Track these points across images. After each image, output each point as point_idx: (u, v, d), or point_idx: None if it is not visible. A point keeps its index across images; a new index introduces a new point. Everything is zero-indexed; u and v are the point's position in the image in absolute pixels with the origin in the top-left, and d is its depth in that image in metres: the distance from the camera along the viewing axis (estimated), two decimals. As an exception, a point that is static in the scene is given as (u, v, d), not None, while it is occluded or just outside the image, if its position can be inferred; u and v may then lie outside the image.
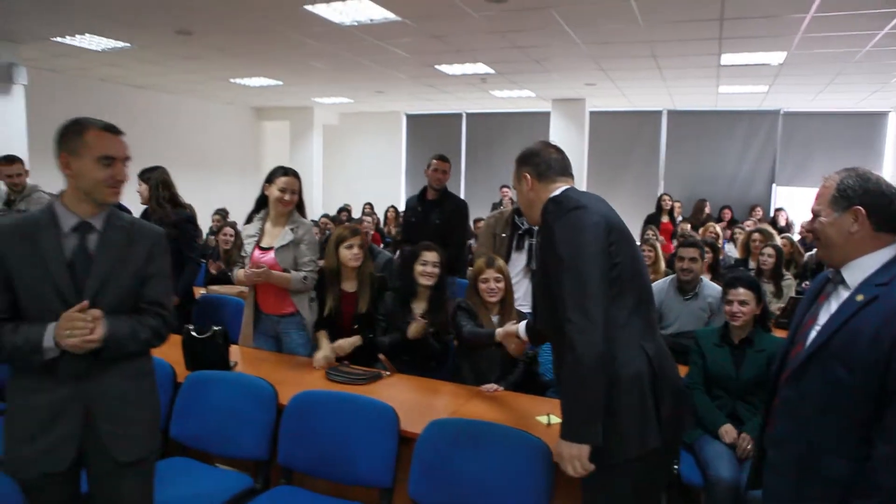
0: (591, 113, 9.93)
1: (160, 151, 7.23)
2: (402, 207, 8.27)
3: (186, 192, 4.29)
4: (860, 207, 1.52)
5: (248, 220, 3.32)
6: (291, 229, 3.19)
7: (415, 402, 2.63)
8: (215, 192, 9.96)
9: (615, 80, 7.96)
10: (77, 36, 6.22)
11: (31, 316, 1.71)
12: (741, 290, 2.75)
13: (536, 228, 3.76)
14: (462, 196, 6.81)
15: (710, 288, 3.62)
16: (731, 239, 6.85)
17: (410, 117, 11.90)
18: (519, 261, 3.69)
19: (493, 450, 2.12)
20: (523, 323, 2.41)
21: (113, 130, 1.80)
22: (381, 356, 3.22)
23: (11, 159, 4.27)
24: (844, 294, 1.56)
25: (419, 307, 3.25)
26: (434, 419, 2.28)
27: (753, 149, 10.13)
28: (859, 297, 1.49)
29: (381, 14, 5.10)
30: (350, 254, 3.19)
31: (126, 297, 1.81)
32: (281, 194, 3.14)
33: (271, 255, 3.15)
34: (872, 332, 1.43)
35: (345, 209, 9.65)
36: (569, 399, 1.69)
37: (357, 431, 2.36)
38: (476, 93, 9.30)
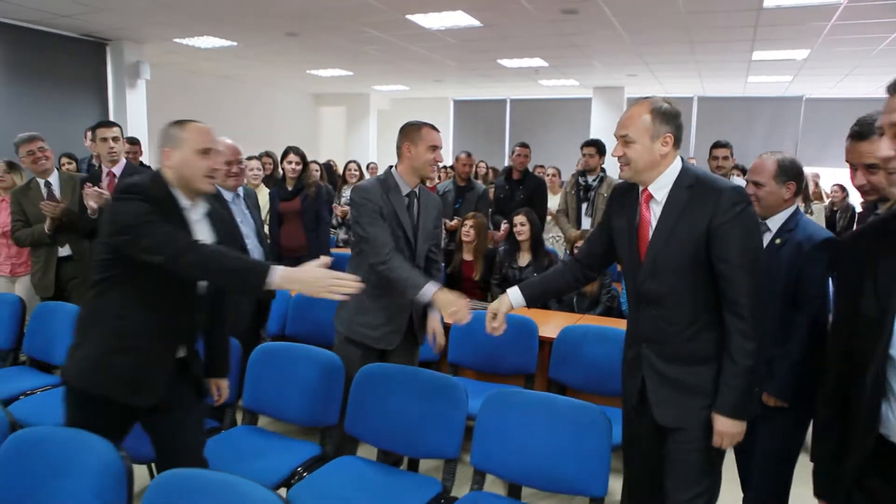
0: (628, 99, 10.85)
1: (237, 135, 8.38)
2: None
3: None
4: (793, 182, 2.17)
5: None
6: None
7: (538, 321, 3.66)
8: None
9: (654, 72, 8.88)
10: (196, 37, 7.27)
11: None
12: None
13: (595, 183, 4.99)
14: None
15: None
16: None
17: (458, 103, 12.87)
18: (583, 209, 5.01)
19: (612, 344, 3.14)
20: (515, 294, 2.23)
21: (435, 129, 2.61)
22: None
23: None
24: (768, 238, 2.28)
25: (524, 258, 4.30)
26: (564, 326, 3.33)
27: (777, 132, 11.04)
28: (777, 241, 2.24)
29: (468, 22, 6.09)
30: (464, 232, 4.33)
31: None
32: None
33: None
34: (787, 266, 2.12)
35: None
36: (740, 385, 1.77)
37: (508, 336, 3.38)
38: (524, 81, 10.25)
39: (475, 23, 6.12)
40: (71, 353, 1.93)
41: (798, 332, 2.11)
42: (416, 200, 2.70)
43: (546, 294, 2.32)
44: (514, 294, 2.23)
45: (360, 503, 2.14)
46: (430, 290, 2.36)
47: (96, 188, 3.55)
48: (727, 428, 1.80)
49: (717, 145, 4.54)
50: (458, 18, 5.99)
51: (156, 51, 7.95)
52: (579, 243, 4.20)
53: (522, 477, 2.25)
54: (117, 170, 3.79)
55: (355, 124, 12.61)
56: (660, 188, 1.88)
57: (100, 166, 4.02)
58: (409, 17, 5.95)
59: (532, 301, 2.24)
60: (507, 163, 12.57)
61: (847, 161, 1.88)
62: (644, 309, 1.94)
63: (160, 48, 7.84)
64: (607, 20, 5.96)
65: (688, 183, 1.84)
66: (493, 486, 2.38)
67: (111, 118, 7.57)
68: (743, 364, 1.76)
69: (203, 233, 2.01)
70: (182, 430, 2.01)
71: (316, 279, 1.85)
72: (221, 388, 2.34)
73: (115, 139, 3.78)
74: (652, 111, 1.83)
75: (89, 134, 5.13)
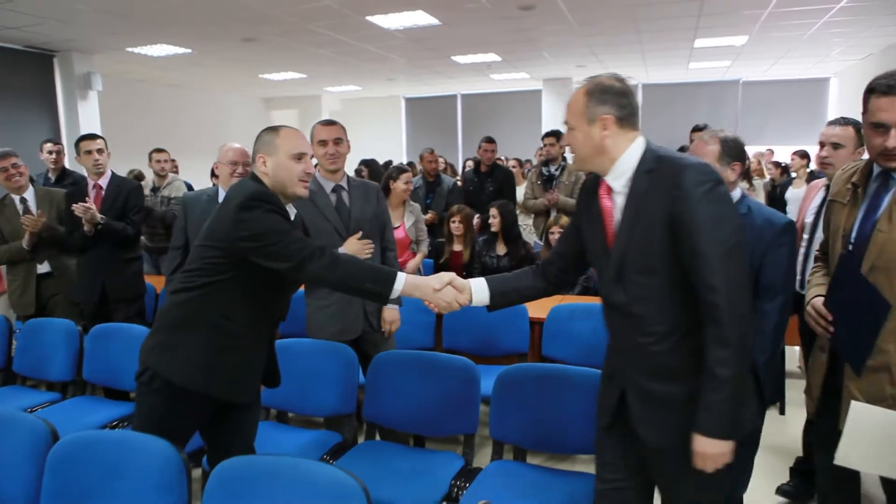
0: (576, 89, 11.18)
1: (192, 142, 8.46)
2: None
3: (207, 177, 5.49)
4: (738, 162, 2.14)
5: None
6: (410, 211, 4.41)
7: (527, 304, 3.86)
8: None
9: (602, 62, 9.21)
10: (149, 46, 7.16)
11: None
12: None
13: (557, 172, 5.23)
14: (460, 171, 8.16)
15: None
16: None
17: (409, 100, 12.98)
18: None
19: (599, 319, 3.31)
20: (480, 287, 1.95)
21: (327, 123, 2.75)
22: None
23: (161, 149, 5.27)
24: None
25: (501, 247, 4.50)
26: (550, 306, 3.52)
27: (717, 114, 11.61)
28: None
29: (427, 20, 6.22)
30: (454, 226, 4.59)
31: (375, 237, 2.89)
32: (406, 186, 4.31)
33: (402, 231, 4.34)
34: (748, 253, 1.88)
35: None
36: (719, 399, 1.50)
37: (501, 319, 3.54)
38: (475, 76, 10.44)
39: (434, 21, 6.25)
40: (160, 351, 1.91)
41: (766, 323, 2.00)
42: (344, 194, 2.82)
43: (518, 292, 2.00)
44: (478, 287, 1.95)
45: (394, 482, 2.26)
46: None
47: (82, 204, 3.53)
48: (707, 448, 1.52)
49: (695, 129, 4.79)
50: (418, 18, 6.11)
51: (107, 61, 7.78)
52: (554, 229, 4.41)
53: (540, 444, 2.42)
54: (104, 181, 3.79)
55: (307, 127, 12.22)
56: (617, 177, 1.62)
57: (55, 181, 4.05)
58: (368, 18, 6.04)
59: (498, 297, 1.96)
60: (461, 158, 12.85)
61: (874, 121, 1.67)
62: (615, 317, 1.70)
63: (111, 58, 7.67)
64: (562, 15, 6.20)
65: (648, 167, 1.57)
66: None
67: (63, 131, 7.40)
68: (721, 375, 1.48)
69: None
70: (244, 424, 2.08)
71: (439, 295, 1.89)
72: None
73: (99, 151, 3.78)
74: (587, 92, 1.61)
75: (45, 146, 5.04)
